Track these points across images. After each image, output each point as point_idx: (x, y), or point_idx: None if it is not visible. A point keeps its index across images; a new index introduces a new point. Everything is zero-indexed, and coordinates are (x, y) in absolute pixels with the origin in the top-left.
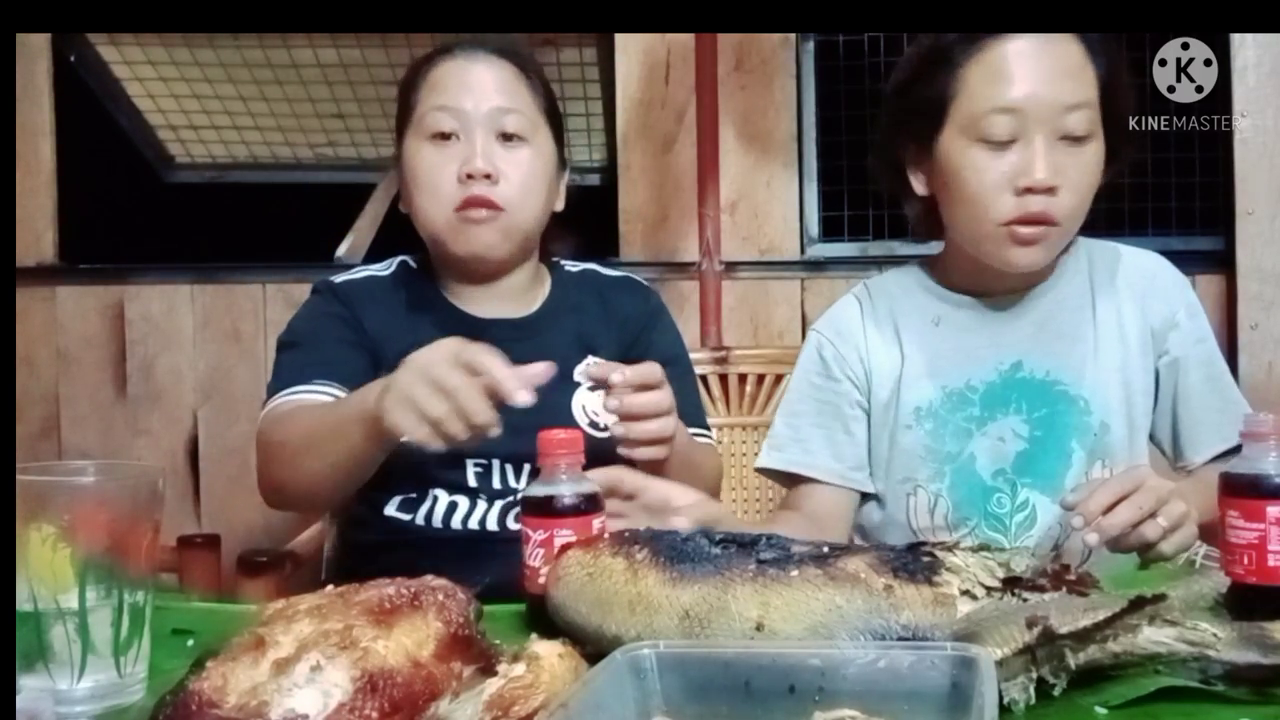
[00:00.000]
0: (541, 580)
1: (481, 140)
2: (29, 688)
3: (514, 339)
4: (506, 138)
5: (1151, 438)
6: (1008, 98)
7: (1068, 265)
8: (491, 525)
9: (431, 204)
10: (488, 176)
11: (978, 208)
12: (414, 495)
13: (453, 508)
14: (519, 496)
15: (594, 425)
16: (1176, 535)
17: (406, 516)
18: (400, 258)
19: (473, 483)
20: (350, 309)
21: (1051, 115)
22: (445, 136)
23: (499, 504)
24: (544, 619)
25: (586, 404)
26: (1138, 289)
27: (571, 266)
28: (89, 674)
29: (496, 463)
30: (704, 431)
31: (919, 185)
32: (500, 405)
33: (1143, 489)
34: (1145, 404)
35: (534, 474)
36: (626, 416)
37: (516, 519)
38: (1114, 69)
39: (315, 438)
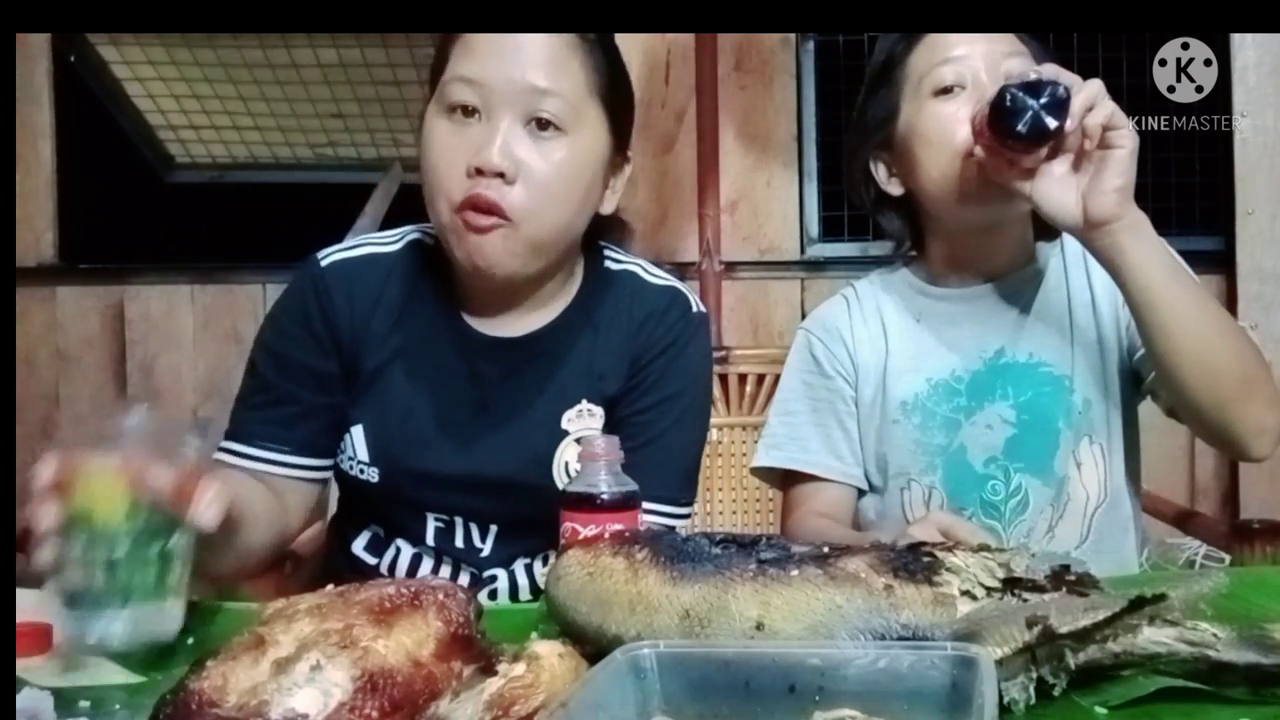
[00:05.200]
0: None
1: (506, 126)
2: (29, 691)
3: (517, 360)
4: (540, 125)
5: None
6: (950, 52)
7: (1043, 247)
8: None
9: (435, 193)
10: (501, 175)
11: (940, 147)
12: (380, 536)
13: (416, 561)
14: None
15: None
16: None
17: (372, 560)
18: (412, 232)
19: (432, 540)
20: (329, 303)
21: (993, 60)
22: (467, 112)
23: (466, 572)
24: None
25: (571, 461)
26: None
27: (614, 263)
28: (132, 605)
29: (459, 520)
30: (667, 510)
31: (892, 186)
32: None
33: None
34: (1119, 374)
35: (499, 536)
36: None
37: (491, 596)
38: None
39: None
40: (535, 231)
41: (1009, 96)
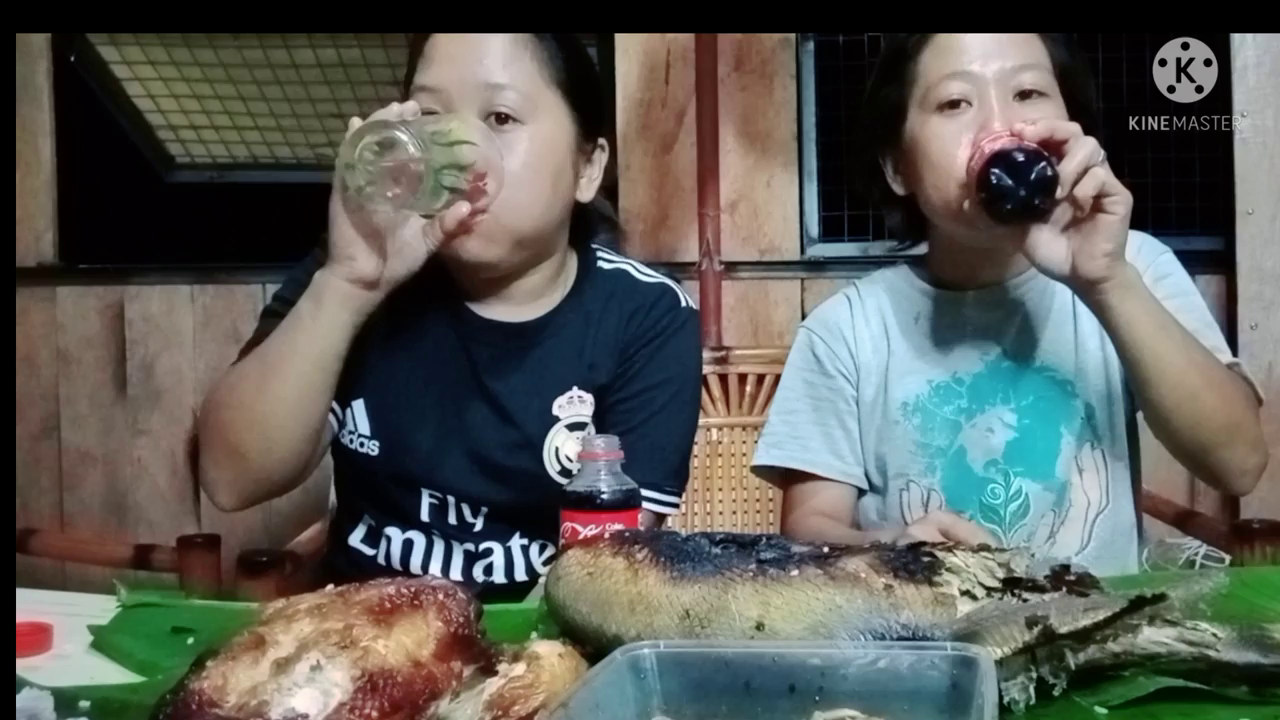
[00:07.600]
0: None
1: None
2: (29, 691)
3: (510, 346)
4: (500, 119)
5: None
6: (959, 64)
7: None
8: (455, 575)
9: None
10: None
11: (941, 170)
12: (374, 526)
13: (408, 547)
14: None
15: (565, 473)
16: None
17: (370, 551)
18: None
19: (426, 517)
20: None
21: (1003, 75)
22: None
23: (459, 551)
24: None
25: (561, 447)
26: None
27: (606, 262)
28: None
29: (452, 499)
30: (653, 496)
31: (896, 185)
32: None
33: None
34: (1122, 382)
35: (490, 517)
36: None
37: (487, 571)
38: (1070, 56)
39: (271, 357)
40: (511, 220)
41: (994, 178)
